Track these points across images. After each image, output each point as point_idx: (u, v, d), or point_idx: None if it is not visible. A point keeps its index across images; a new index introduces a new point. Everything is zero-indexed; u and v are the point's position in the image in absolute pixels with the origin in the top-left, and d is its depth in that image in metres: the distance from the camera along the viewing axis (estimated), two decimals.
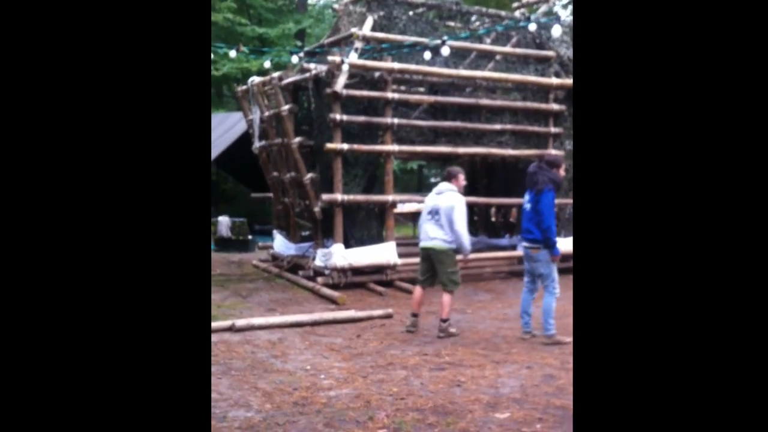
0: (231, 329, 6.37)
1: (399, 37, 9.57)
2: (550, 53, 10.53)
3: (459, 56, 10.25)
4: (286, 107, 8.61)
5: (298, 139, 8.89)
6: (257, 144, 8.73)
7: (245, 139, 12.34)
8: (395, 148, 9.19)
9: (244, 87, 8.50)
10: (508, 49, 10.63)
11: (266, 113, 8.78)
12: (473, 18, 11.38)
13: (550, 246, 5.96)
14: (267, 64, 11.34)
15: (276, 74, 8.38)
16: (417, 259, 9.79)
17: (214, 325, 6.43)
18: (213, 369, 5.18)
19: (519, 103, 10.46)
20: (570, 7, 21.09)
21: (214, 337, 6.14)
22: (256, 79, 8.29)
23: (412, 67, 9.33)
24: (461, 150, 9.93)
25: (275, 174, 9.47)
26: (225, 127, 13.83)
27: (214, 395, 4.58)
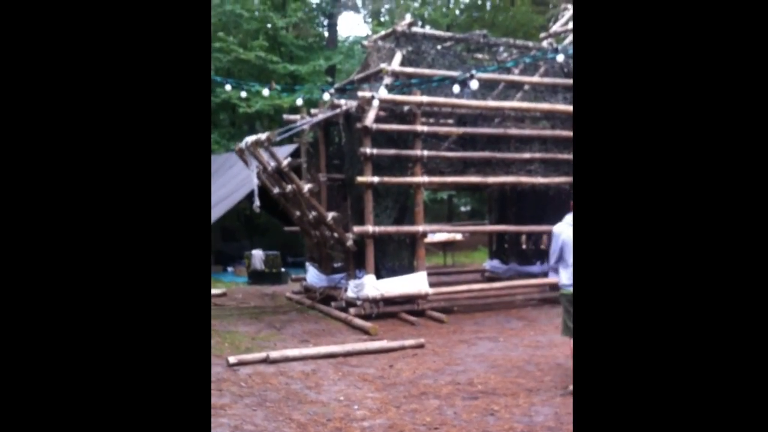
0: (266, 361, 6.45)
1: (427, 71, 9.73)
2: None
3: (487, 87, 10.37)
4: (285, 161, 8.73)
5: (308, 186, 8.99)
6: (257, 203, 8.82)
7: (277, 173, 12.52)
8: (425, 179, 9.29)
9: (240, 146, 8.61)
10: (536, 79, 10.72)
11: (270, 165, 8.87)
12: (501, 49, 11.51)
13: None
14: (299, 101, 11.59)
15: (264, 135, 8.39)
16: (449, 288, 9.90)
17: (249, 356, 6.53)
18: (248, 401, 5.26)
19: (548, 132, 10.52)
20: None
21: (248, 369, 6.23)
22: (249, 140, 8.36)
23: (441, 99, 9.47)
24: (491, 179, 9.99)
25: (298, 214, 9.61)
26: (258, 163, 14.09)
27: (249, 427, 4.65)
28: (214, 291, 11.01)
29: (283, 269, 13.03)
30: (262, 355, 6.55)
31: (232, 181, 14.05)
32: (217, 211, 13.00)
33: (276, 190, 9.00)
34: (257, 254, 12.96)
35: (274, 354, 6.55)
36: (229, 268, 14.15)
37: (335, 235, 9.25)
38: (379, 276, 8.89)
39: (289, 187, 8.71)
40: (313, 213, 9.05)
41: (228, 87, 11.88)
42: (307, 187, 8.90)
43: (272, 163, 8.71)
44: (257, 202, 8.66)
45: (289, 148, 12.98)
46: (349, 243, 9.06)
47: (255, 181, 8.75)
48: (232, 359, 6.39)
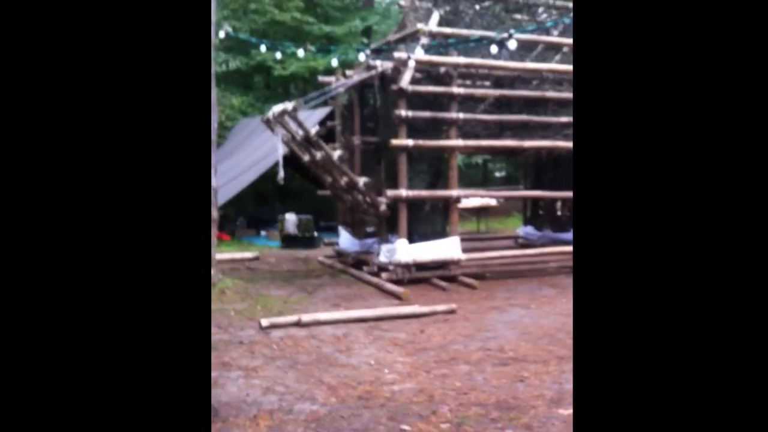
0: (297, 324, 6.50)
1: (465, 32, 9.52)
2: None
3: (525, 49, 10.12)
4: (314, 129, 8.62)
5: (338, 153, 8.88)
6: (281, 174, 8.74)
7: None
8: (460, 143, 9.16)
9: (267, 116, 8.48)
10: None
11: (299, 134, 8.72)
12: (540, 10, 11.21)
13: None
14: (334, 63, 11.48)
15: (290, 105, 8.19)
16: (481, 254, 9.83)
17: (281, 320, 6.58)
18: (279, 363, 5.31)
19: None
20: None
21: (280, 332, 6.28)
22: (275, 109, 8.21)
23: (478, 61, 9.27)
24: (527, 143, 9.82)
25: (330, 180, 9.57)
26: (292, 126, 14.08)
27: (280, 388, 4.70)
28: (246, 254, 11.13)
29: (315, 233, 13.08)
30: (293, 318, 6.60)
31: (266, 143, 14.04)
32: (250, 175, 13.07)
33: (306, 158, 8.95)
34: (290, 218, 13.01)
35: (306, 317, 6.59)
36: (263, 232, 14.26)
37: (368, 199, 9.20)
38: (411, 241, 8.85)
39: (318, 155, 8.64)
40: (345, 179, 9.01)
41: (263, 48, 11.84)
42: (337, 154, 8.83)
43: (300, 132, 8.62)
44: (281, 174, 8.61)
45: (324, 110, 12.91)
46: (383, 208, 9.01)
47: (280, 152, 8.68)
48: (264, 322, 6.45)
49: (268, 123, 8.55)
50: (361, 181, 9.00)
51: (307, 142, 8.65)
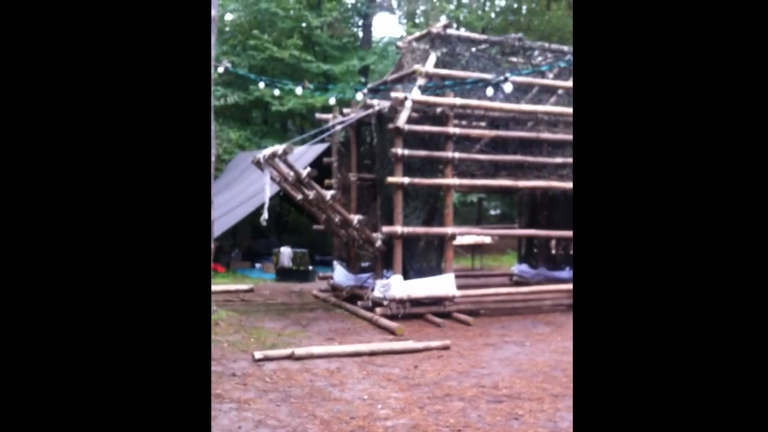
0: (291, 357, 6.48)
1: (461, 74, 9.70)
2: None
3: (521, 91, 10.30)
4: (305, 172, 8.57)
5: (330, 193, 8.83)
6: (265, 216, 8.66)
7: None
8: (456, 181, 9.26)
9: (257, 157, 8.41)
10: (570, 83, 10.62)
11: (290, 176, 8.68)
12: (536, 53, 11.44)
13: None
14: (332, 101, 11.64)
15: (280, 148, 8.11)
16: (476, 291, 9.85)
17: (275, 352, 6.56)
18: (272, 396, 5.29)
19: None
20: None
21: (273, 365, 6.26)
22: (266, 152, 8.10)
23: (474, 102, 9.43)
24: (522, 183, 9.93)
25: (324, 217, 9.61)
26: (289, 161, 14.19)
27: (273, 422, 4.67)
28: (241, 287, 11.11)
29: (310, 267, 13.08)
30: (287, 351, 6.58)
31: (262, 177, 14.13)
32: (246, 208, 13.09)
33: (299, 197, 8.96)
34: (285, 251, 13.03)
35: (300, 351, 6.58)
36: (258, 264, 14.25)
37: (363, 236, 9.24)
38: (406, 277, 8.88)
39: (311, 194, 8.66)
40: (338, 217, 9.04)
41: (261, 84, 12.00)
42: (329, 194, 8.80)
43: (292, 173, 8.59)
44: (265, 215, 8.53)
45: (320, 147, 13.03)
46: (378, 243, 9.05)
47: (267, 194, 8.60)
48: (257, 354, 6.43)
49: (258, 164, 8.48)
50: (355, 219, 9.04)
51: (300, 182, 8.66)
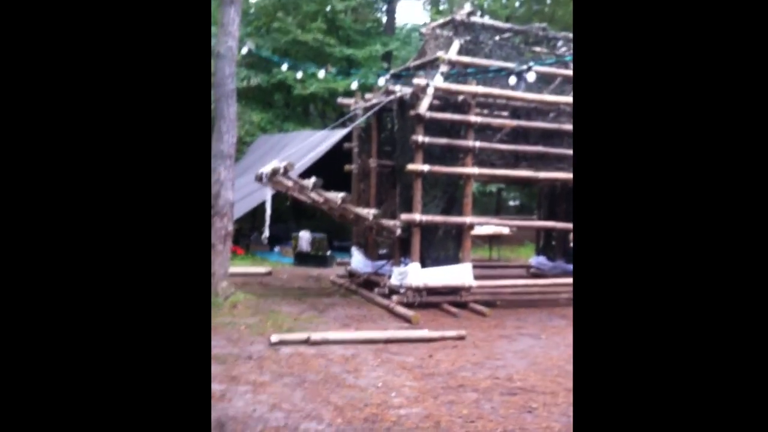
0: (307, 342, 6.52)
1: (484, 62, 9.63)
2: None
3: (544, 81, 10.20)
4: (310, 182, 8.39)
5: (340, 196, 8.59)
6: (267, 234, 8.53)
7: (327, 157, 12.63)
8: (475, 170, 9.21)
9: (259, 174, 8.25)
10: None
11: (296, 189, 8.56)
12: (560, 43, 11.31)
13: None
14: (354, 85, 11.62)
15: (281, 165, 7.95)
16: (493, 282, 9.83)
17: (291, 337, 6.61)
18: (287, 380, 5.33)
19: None
20: None
21: (289, 349, 6.31)
22: (266, 171, 7.91)
23: (496, 91, 9.36)
24: (542, 174, 9.86)
25: (338, 214, 9.58)
26: (310, 144, 14.13)
27: (287, 406, 4.71)
28: (259, 269, 11.18)
29: (328, 252, 13.12)
30: (303, 336, 6.62)
31: (284, 160, 14.19)
32: (267, 191, 13.13)
33: (308, 201, 8.87)
34: (304, 236, 13.08)
35: (316, 336, 6.62)
36: (276, 248, 14.33)
37: (379, 228, 9.21)
38: (423, 265, 8.88)
39: (320, 200, 8.57)
40: (352, 216, 9.03)
41: (284, 66, 12.00)
42: (340, 197, 8.67)
43: (293, 184, 8.42)
44: (266, 233, 8.45)
45: (341, 132, 13.02)
46: (398, 232, 9.03)
47: (268, 210, 8.48)
48: (273, 338, 6.48)
49: (259, 180, 8.31)
50: (370, 215, 9.01)
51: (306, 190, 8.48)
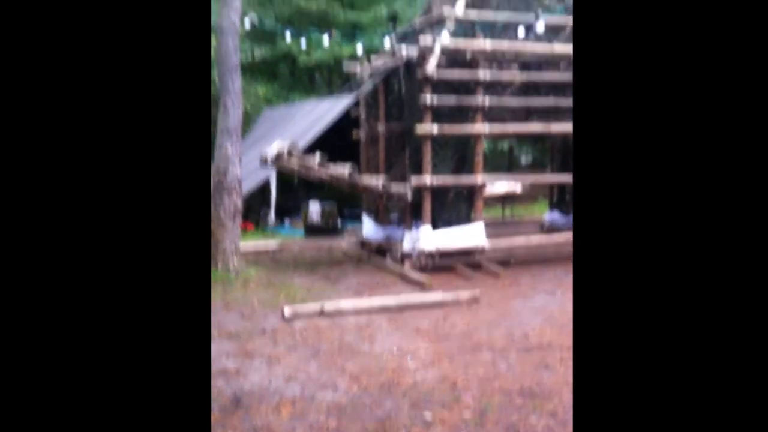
0: (320, 313, 6.47)
1: (492, 15, 9.38)
2: None
3: (553, 32, 9.91)
4: (315, 160, 8.36)
5: (347, 170, 8.59)
6: (272, 217, 8.49)
7: (335, 125, 12.49)
8: (486, 128, 9.03)
9: (264, 156, 8.21)
10: None
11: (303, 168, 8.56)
12: None
13: None
14: (359, 50, 11.40)
15: (285, 147, 7.91)
16: (506, 240, 9.70)
17: (304, 308, 6.56)
18: (302, 352, 5.30)
19: None
20: None
21: (303, 321, 6.27)
22: (271, 154, 7.85)
23: (505, 45, 9.11)
24: (554, 128, 9.64)
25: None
26: (316, 115, 14.02)
27: (302, 377, 4.68)
28: (270, 243, 11.12)
29: (339, 222, 13.05)
30: (316, 306, 6.57)
31: (289, 134, 14.07)
32: (271, 175, 13.05)
33: (316, 179, 8.83)
34: (314, 207, 13.00)
35: (329, 306, 6.56)
36: (286, 221, 14.27)
37: (390, 195, 9.13)
38: (435, 227, 8.76)
39: (326, 176, 8.55)
40: (362, 185, 8.95)
41: (288, 36, 11.81)
42: (347, 169, 8.65)
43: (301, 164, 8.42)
44: (272, 216, 8.43)
45: (348, 98, 12.85)
46: (409, 198, 8.92)
47: (273, 193, 8.49)
48: (287, 310, 6.43)
49: (265, 164, 8.35)
50: (379, 184, 8.89)
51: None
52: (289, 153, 8.05)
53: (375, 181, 9.02)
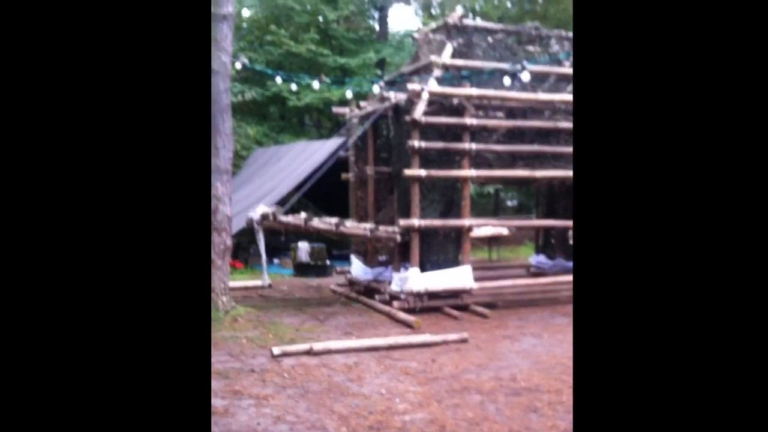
0: (309, 352, 6.49)
1: (478, 64, 9.63)
2: None
3: (538, 80, 10.19)
4: (301, 218, 8.68)
5: (334, 222, 9.01)
6: (267, 282, 8.87)
7: (324, 167, 12.59)
8: (473, 172, 9.20)
9: (249, 218, 8.57)
10: None
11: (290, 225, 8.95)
12: (552, 41, 11.30)
13: None
14: (349, 94, 11.62)
15: (270, 210, 8.38)
16: (493, 283, 9.80)
17: (293, 348, 6.58)
18: (290, 391, 5.30)
19: None
20: None
21: (292, 360, 6.28)
22: (256, 216, 8.30)
23: (491, 92, 9.35)
24: (539, 173, 9.84)
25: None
26: (305, 156, 14.18)
27: (291, 417, 4.69)
28: (259, 282, 11.11)
29: (328, 261, 13.09)
30: (305, 346, 6.59)
31: (279, 174, 14.19)
32: (258, 235, 13.12)
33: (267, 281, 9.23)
34: (303, 246, 13.04)
35: (318, 346, 6.59)
36: (275, 260, 14.29)
37: (379, 239, 9.34)
38: (423, 269, 8.85)
39: (314, 229, 8.93)
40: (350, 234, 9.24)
41: (278, 79, 12.00)
42: (334, 222, 8.97)
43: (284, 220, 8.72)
44: (267, 281, 8.73)
45: (336, 141, 13.02)
46: (398, 239, 9.05)
47: (263, 255, 8.80)
48: (276, 350, 6.45)
49: (251, 226, 8.64)
50: (368, 231, 9.07)
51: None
52: (274, 216, 8.39)
53: (362, 228, 9.16)
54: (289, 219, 8.64)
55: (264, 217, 8.35)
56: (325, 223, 8.93)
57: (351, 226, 9.28)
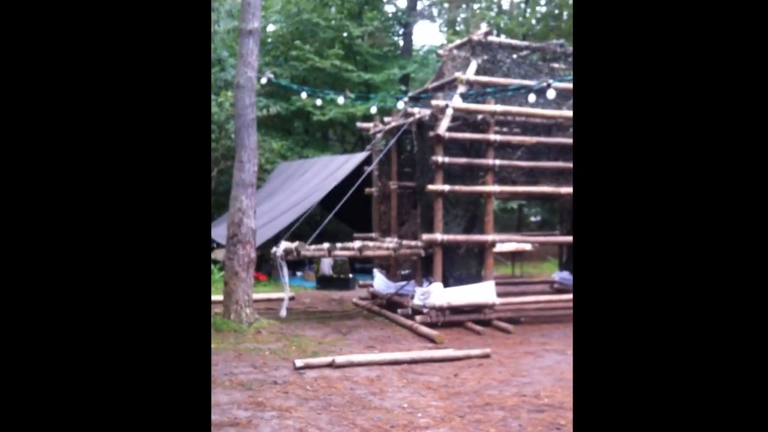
0: (331, 365, 6.52)
1: (503, 80, 9.66)
2: None
3: (563, 97, 10.19)
4: (324, 249, 9.09)
5: (358, 244, 9.31)
6: (283, 313, 9.10)
7: (348, 181, 12.68)
8: (496, 188, 9.21)
9: (273, 252, 8.82)
10: None
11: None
12: None
13: None
14: (373, 110, 11.72)
15: (293, 246, 8.78)
16: (516, 299, 9.75)
17: (315, 360, 6.61)
18: (313, 404, 5.32)
19: None
20: None
21: (314, 373, 6.31)
22: (279, 251, 8.69)
23: (515, 109, 9.37)
24: (563, 190, 9.81)
25: None
26: (330, 170, 14.28)
27: (313, 430, 4.70)
28: (281, 295, 11.18)
29: (350, 275, 13.13)
30: (328, 359, 6.62)
31: (304, 187, 14.30)
32: (288, 217, 13.24)
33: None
34: (326, 260, 13.11)
35: (340, 359, 6.61)
36: (298, 273, 14.37)
37: (403, 256, 9.49)
38: (446, 284, 8.86)
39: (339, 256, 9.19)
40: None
41: (303, 95, 12.14)
42: (357, 246, 9.24)
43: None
44: (283, 312, 8.93)
45: (361, 155, 13.12)
46: (422, 254, 9.10)
47: (286, 289, 9.03)
48: (298, 362, 6.48)
49: (275, 260, 8.96)
50: (392, 249, 9.18)
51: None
52: (297, 252, 8.78)
53: (385, 248, 9.26)
54: (313, 251, 9.05)
55: (287, 252, 8.67)
56: (347, 249, 9.22)
57: (374, 246, 9.40)
